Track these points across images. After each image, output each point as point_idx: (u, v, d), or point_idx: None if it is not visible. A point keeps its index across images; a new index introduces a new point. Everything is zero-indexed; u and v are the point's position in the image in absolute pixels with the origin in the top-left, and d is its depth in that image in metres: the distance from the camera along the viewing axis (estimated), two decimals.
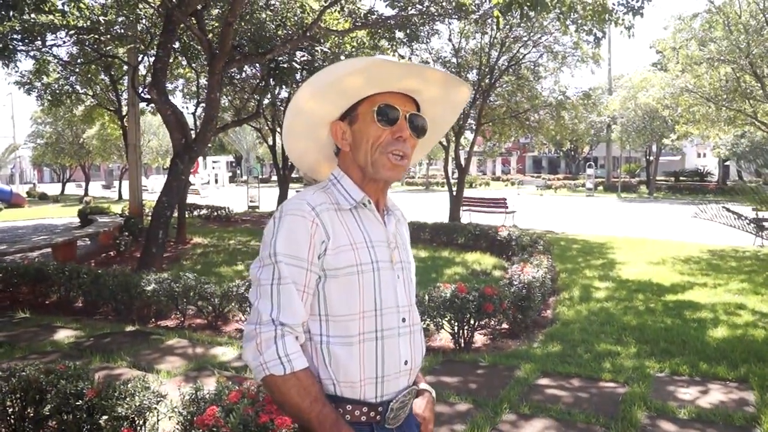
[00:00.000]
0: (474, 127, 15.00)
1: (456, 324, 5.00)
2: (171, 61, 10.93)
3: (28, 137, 37.36)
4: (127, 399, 2.69)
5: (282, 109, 14.59)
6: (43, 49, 12.15)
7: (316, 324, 1.26)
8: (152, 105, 11.67)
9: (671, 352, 4.78)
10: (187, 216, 13.71)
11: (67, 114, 25.78)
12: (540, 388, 4.03)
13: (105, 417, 2.61)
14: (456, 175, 15.68)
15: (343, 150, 1.35)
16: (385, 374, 1.28)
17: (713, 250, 10.58)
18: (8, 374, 2.87)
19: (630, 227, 14.88)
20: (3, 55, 9.97)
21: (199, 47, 10.52)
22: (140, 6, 10.31)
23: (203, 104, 11.22)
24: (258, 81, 12.80)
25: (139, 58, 12.97)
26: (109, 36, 11.50)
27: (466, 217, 15.22)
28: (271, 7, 10.92)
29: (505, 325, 5.48)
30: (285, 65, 9.86)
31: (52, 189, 40.75)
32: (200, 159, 24.86)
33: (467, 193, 18.32)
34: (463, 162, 14.81)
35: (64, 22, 10.35)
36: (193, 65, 12.58)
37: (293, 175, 20.16)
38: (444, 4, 10.44)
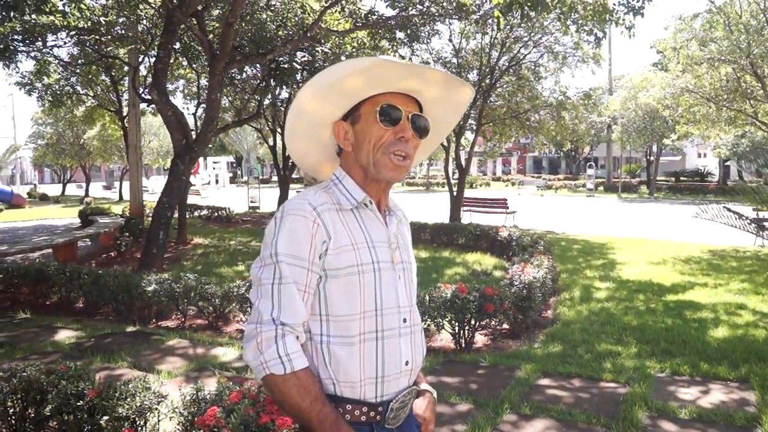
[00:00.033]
0: (474, 128, 15.01)
1: (457, 324, 5.00)
2: (171, 61, 10.95)
3: (29, 138, 37.33)
4: (128, 399, 2.70)
5: (282, 109, 14.60)
6: (44, 50, 12.15)
7: (316, 324, 1.26)
8: (153, 106, 11.66)
9: (672, 352, 4.77)
10: (187, 216, 13.73)
11: (67, 115, 25.77)
12: (541, 389, 4.02)
13: (106, 417, 2.61)
14: (456, 176, 15.68)
15: (345, 150, 1.35)
16: (386, 374, 1.27)
17: (714, 250, 10.57)
18: (9, 375, 2.87)
19: (630, 227, 14.87)
20: (4, 55, 9.96)
21: (200, 48, 10.52)
22: (141, 7, 10.30)
23: (204, 105, 11.24)
24: (258, 81, 12.79)
25: (140, 59, 12.98)
26: (109, 37, 11.50)
27: (467, 217, 15.21)
28: (272, 8, 10.92)
29: (505, 326, 5.48)
30: (285, 66, 9.85)
31: (53, 190, 40.77)
32: (201, 160, 24.91)
33: (468, 193, 18.32)
34: (463, 162, 14.81)
35: (65, 23, 10.35)
36: (194, 66, 12.59)
37: (294, 176, 20.18)
38: (444, 4, 10.44)
